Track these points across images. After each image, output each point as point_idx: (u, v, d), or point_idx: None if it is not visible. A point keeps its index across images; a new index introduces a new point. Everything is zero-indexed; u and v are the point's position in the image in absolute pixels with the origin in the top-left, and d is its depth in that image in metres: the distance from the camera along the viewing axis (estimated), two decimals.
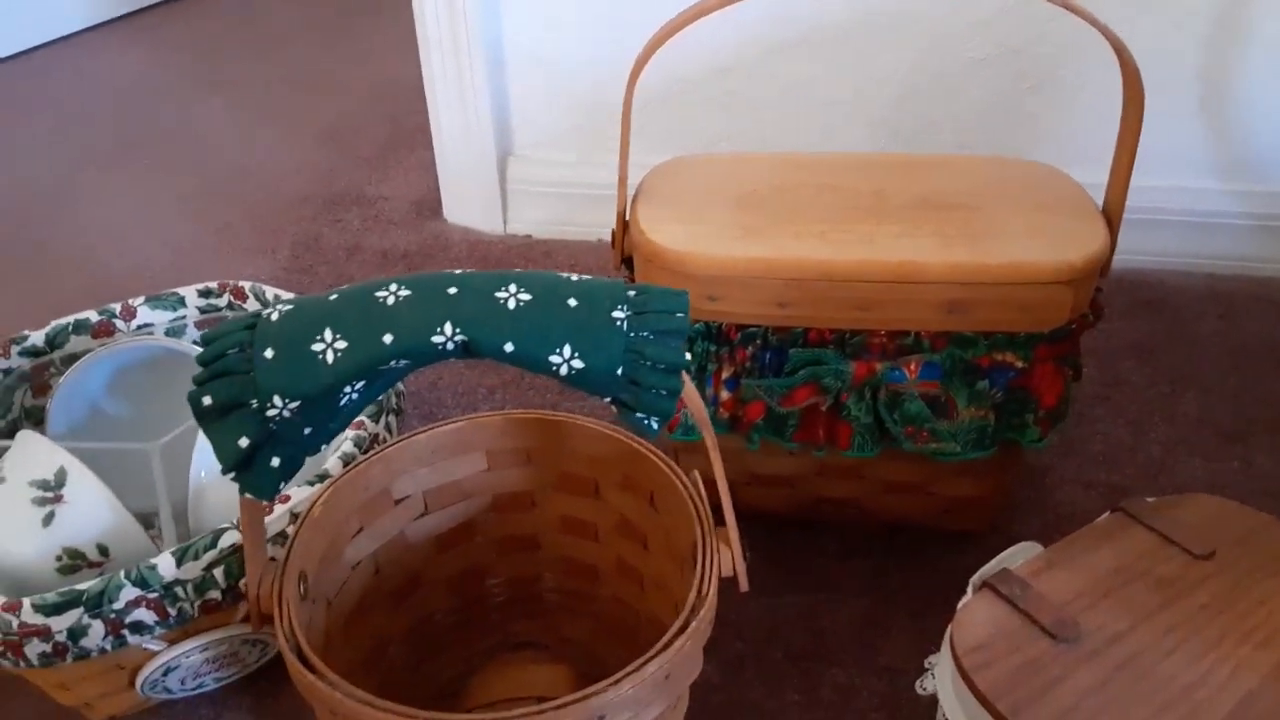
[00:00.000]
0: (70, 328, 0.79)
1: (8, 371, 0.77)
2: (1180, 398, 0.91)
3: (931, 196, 0.69)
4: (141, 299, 0.82)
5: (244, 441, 0.44)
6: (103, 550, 0.63)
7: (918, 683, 0.57)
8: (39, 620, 0.56)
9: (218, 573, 0.59)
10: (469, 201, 1.23)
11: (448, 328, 0.44)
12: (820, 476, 0.74)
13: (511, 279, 0.45)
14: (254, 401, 0.44)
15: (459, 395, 0.95)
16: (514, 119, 1.18)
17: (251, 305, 0.83)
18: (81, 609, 0.56)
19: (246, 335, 0.45)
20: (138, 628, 0.58)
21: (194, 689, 0.65)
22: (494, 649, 0.70)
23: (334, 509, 0.58)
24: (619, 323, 0.45)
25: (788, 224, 0.66)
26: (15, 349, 0.77)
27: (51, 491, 0.63)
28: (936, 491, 0.73)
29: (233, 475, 0.45)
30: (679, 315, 0.46)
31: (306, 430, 0.46)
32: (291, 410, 0.44)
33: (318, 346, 0.44)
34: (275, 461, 0.45)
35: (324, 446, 0.48)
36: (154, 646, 0.61)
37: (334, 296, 0.45)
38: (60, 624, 0.56)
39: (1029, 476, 0.82)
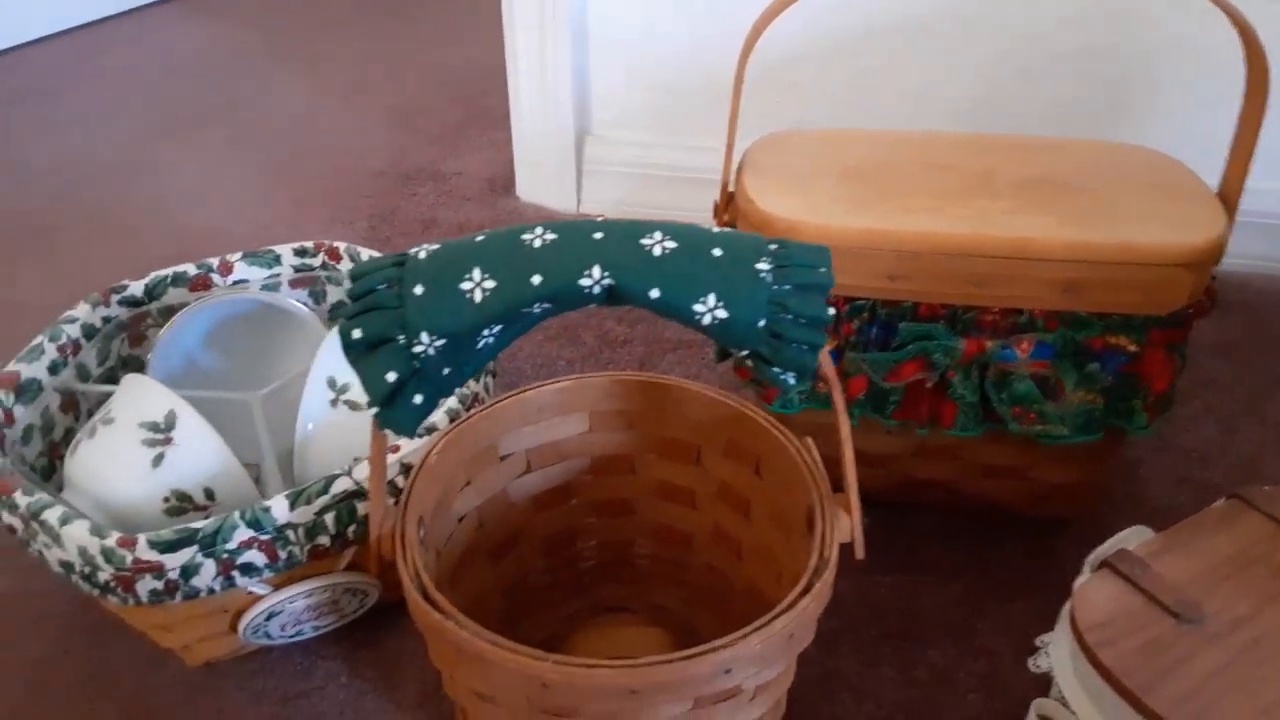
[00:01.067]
0: (169, 279, 0.80)
1: (107, 319, 0.78)
2: (1270, 399, 0.89)
3: (1042, 176, 0.68)
4: (239, 255, 0.83)
5: (391, 376, 0.44)
6: (209, 494, 0.64)
7: (1030, 660, 0.56)
8: (153, 556, 0.56)
9: (328, 518, 0.60)
10: (544, 180, 1.23)
11: (596, 271, 0.44)
12: (916, 457, 0.73)
13: (656, 227, 0.45)
14: (401, 337, 0.44)
15: (538, 366, 0.95)
16: (593, 98, 1.18)
17: (345, 265, 0.83)
18: (195, 547, 0.57)
19: (395, 272, 0.45)
20: (247, 569, 0.59)
21: (292, 636, 0.65)
22: (583, 612, 0.70)
23: (446, 460, 0.58)
24: (763, 275, 0.45)
25: (897, 198, 0.66)
26: (115, 298, 0.78)
27: (161, 434, 0.64)
28: (1034, 476, 0.73)
29: (375, 411, 0.46)
30: (822, 270, 0.45)
31: (445, 370, 0.46)
32: (436, 348, 0.45)
33: (466, 285, 0.44)
34: (417, 399, 0.46)
35: (456, 389, 0.48)
36: (259, 590, 0.61)
37: (480, 238, 0.45)
38: (174, 561, 0.57)
39: (1122, 469, 0.81)
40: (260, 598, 0.61)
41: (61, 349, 0.73)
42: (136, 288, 0.79)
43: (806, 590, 0.49)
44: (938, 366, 0.65)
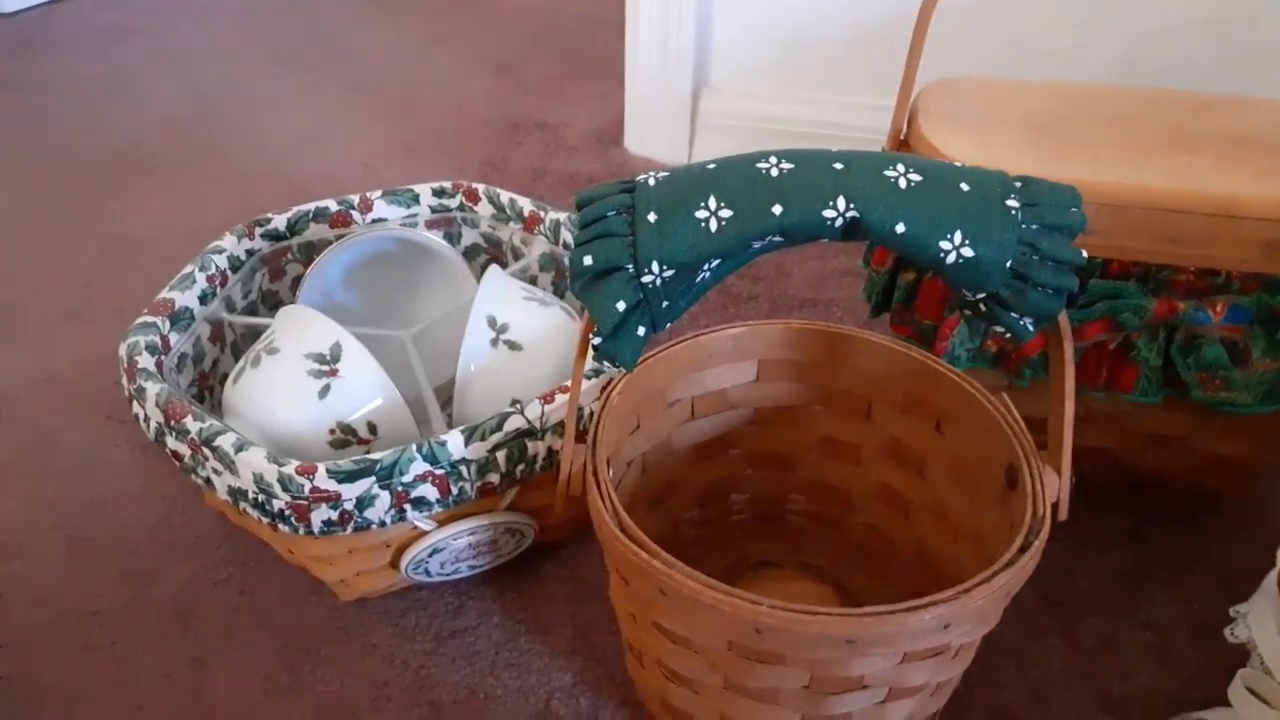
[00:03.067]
0: (310, 215, 0.80)
1: (251, 253, 0.77)
2: None
3: (1239, 133, 0.65)
4: (379, 193, 0.82)
5: (621, 305, 0.43)
6: (372, 428, 0.63)
7: (1227, 630, 0.54)
8: (331, 486, 0.56)
9: (500, 456, 0.59)
10: (655, 132, 1.21)
11: (840, 202, 0.42)
12: (1080, 422, 0.71)
13: (898, 159, 0.43)
14: (631, 266, 0.43)
15: None
16: (713, 49, 1.15)
17: (484, 207, 0.82)
18: (372, 479, 0.56)
19: (626, 199, 0.43)
20: (419, 503, 0.58)
21: (449, 574, 0.65)
22: (731, 567, 0.69)
23: (626, 401, 0.56)
24: (1013, 212, 0.42)
25: (1087, 148, 0.63)
26: (259, 230, 0.77)
27: (327, 365, 0.63)
28: (1201, 448, 0.70)
29: (599, 342, 0.44)
30: (1074, 211, 0.43)
31: (664, 304, 0.45)
32: (665, 279, 0.43)
33: (701, 214, 0.42)
34: (640, 331, 0.44)
35: (662, 329, 0.46)
36: (425, 526, 0.60)
37: (712, 166, 0.44)
38: (351, 492, 0.56)
39: None
40: (425, 533, 0.61)
41: (210, 279, 0.73)
42: (279, 221, 0.78)
43: (1024, 548, 0.47)
44: (1126, 327, 0.62)
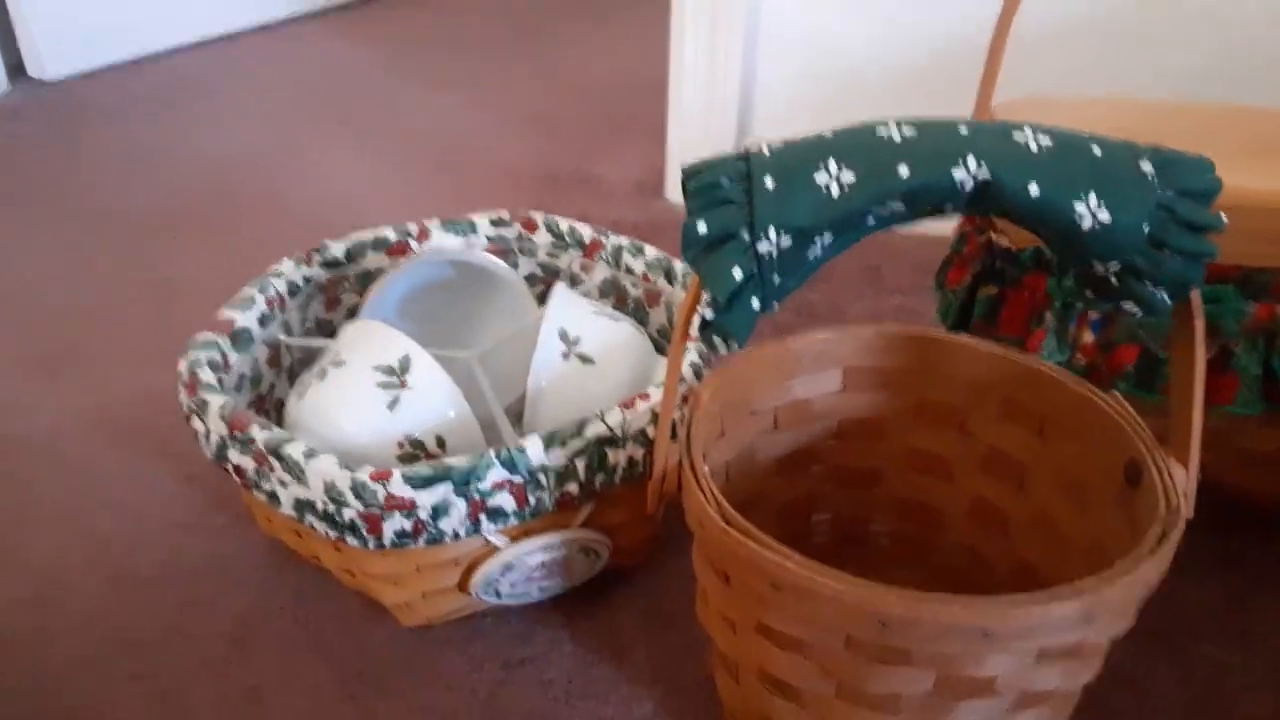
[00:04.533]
0: (369, 243, 0.78)
1: (308, 279, 0.76)
2: None
3: None
4: (436, 221, 0.81)
5: (738, 273, 0.41)
6: (440, 443, 0.61)
7: None
8: (406, 493, 0.53)
9: (579, 464, 0.56)
10: None
11: (970, 162, 0.40)
12: None
13: (1024, 125, 0.42)
14: (746, 234, 0.41)
15: None
16: (757, 96, 1.16)
17: (541, 237, 0.81)
18: (449, 485, 0.53)
19: (741, 166, 0.42)
20: (495, 514, 0.55)
21: (519, 596, 0.61)
22: None
23: (715, 403, 0.54)
24: (1148, 177, 0.41)
25: None
26: (316, 258, 0.76)
27: (396, 377, 0.61)
28: None
29: (711, 316, 0.42)
30: (1209, 175, 0.41)
31: (776, 279, 0.43)
32: (782, 248, 0.41)
33: (821, 178, 0.41)
34: (755, 303, 0.42)
35: (779, 302, 0.44)
36: (497, 541, 0.57)
37: (828, 134, 0.42)
38: (426, 499, 0.53)
39: None
40: (498, 550, 0.57)
41: (269, 301, 0.71)
42: (337, 249, 0.77)
43: (1163, 539, 0.44)
44: (1225, 333, 0.60)
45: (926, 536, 0.64)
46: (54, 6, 1.56)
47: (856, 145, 0.41)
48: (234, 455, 0.58)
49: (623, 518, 0.61)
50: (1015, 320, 0.67)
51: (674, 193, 1.23)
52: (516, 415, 0.70)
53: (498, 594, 0.60)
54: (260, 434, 0.56)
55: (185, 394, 0.61)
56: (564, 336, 0.65)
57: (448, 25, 1.91)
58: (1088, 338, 0.64)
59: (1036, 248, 0.65)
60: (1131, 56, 1.02)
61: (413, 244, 0.80)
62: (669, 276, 0.75)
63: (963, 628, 0.40)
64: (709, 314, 0.42)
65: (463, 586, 0.59)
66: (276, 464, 0.55)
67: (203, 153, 1.34)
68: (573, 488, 0.56)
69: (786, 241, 0.41)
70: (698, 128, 1.17)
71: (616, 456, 0.57)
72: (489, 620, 0.63)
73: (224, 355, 0.65)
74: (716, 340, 0.42)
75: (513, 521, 0.56)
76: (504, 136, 1.41)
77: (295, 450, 0.55)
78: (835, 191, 0.40)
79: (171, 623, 0.63)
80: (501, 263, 0.76)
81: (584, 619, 0.63)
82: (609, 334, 0.66)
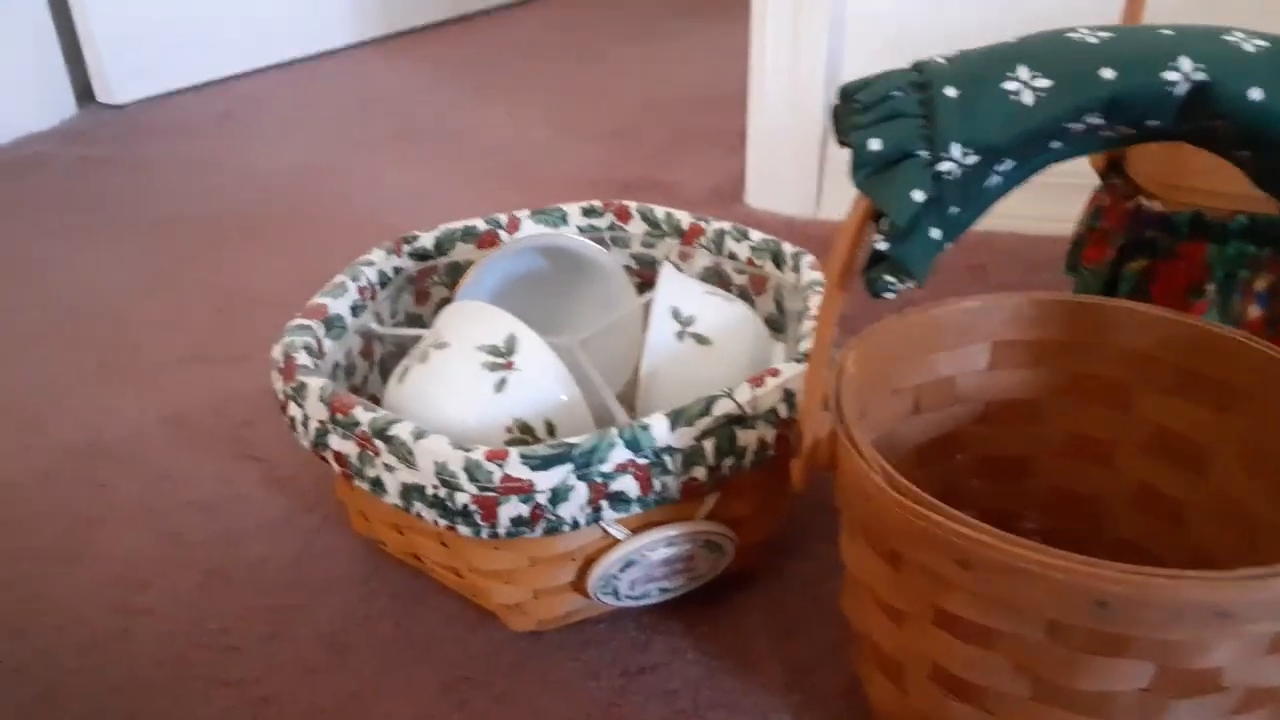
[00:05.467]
0: (459, 234, 0.75)
1: (398, 270, 0.72)
2: None
3: None
4: (526, 212, 0.77)
5: (918, 195, 0.36)
6: (550, 428, 0.56)
7: None
8: (525, 474, 0.48)
9: (707, 446, 0.51)
10: (780, 183, 1.16)
11: (1184, 63, 0.35)
12: None
13: (1229, 29, 0.37)
14: (925, 151, 0.36)
15: None
16: None
17: (635, 225, 0.77)
18: (570, 466, 0.49)
19: (914, 75, 0.37)
20: (618, 499, 0.50)
21: (638, 597, 0.56)
22: None
23: (860, 374, 0.49)
24: None
25: None
26: (406, 248, 0.73)
27: (503, 358, 0.56)
28: None
29: (885, 247, 0.37)
30: None
31: (953, 209, 0.38)
32: (966, 167, 0.36)
33: (1011, 85, 0.36)
34: (935, 234, 0.37)
35: (952, 240, 0.39)
36: (617, 533, 0.52)
37: (1012, 41, 0.37)
38: (545, 481, 0.49)
39: None
40: (618, 543, 0.52)
41: (361, 290, 0.68)
42: (427, 239, 0.74)
43: None
44: None
45: (1085, 531, 0.58)
46: (121, 34, 1.58)
47: (1049, 49, 0.36)
48: (334, 441, 0.54)
49: (748, 510, 0.56)
50: (1170, 294, 0.61)
51: (755, 198, 1.19)
52: (626, 405, 0.66)
53: (616, 594, 0.55)
54: (364, 415, 0.52)
55: (281, 379, 0.58)
56: (676, 315, 0.60)
57: (510, 48, 1.90)
58: (1254, 312, 0.58)
59: (1195, 211, 0.59)
60: None
61: (502, 234, 0.76)
62: (777, 260, 0.70)
63: (1196, 607, 0.35)
64: (881, 245, 0.37)
65: (577, 586, 0.55)
66: (383, 447, 0.51)
67: (264, 167, 1.33)
68: (699, 472, 0.51)
69: (972, 160, 0.36)
70: (781, 125, 1.13)
71: (746, 438, 0.52)
72: (603, 627, 0.58)
73: (318, 341, 0.62)
74: (888, 279, 0.37)
75: (635, 510, 0.51)
76: (573, 149, 1.39)
77: (403, 430, 0.51)
78: (1029, 99, 0.36)
79: (264, 627, 0.59)
80: (598, 247, 0.71)
81: (705, 626, 0.58)
82: (724, 314, 0.61)
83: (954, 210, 0.38)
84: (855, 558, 0.45)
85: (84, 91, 1.60)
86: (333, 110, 1.56)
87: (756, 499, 0.56)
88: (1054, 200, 0.85)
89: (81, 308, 0.98)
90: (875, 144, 0.36)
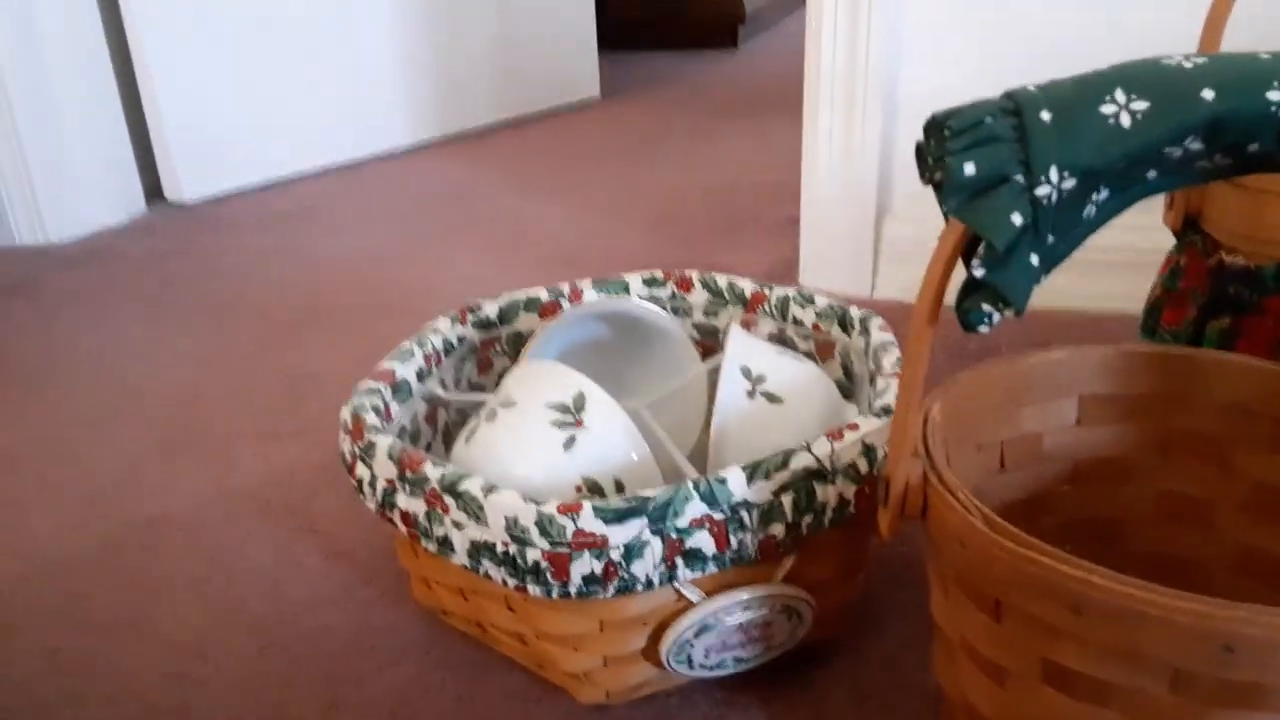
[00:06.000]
0: (522, 304, 0.75)
1: (461, 339, 0.72)
2: None
3: None
4: (588, 281, 0.77)
5: (1017, 219, 0.35)
6: (619, 487, 0.55)
7: None
8: (598, 528, 0.47)
9: (785, 501, 0.49)
10: (834, 264, 1.16)
11: None
12: None
13: None
14: (1021, 176, 0.35)
15: None
16: (896, 173, 1.12)
17: (697, 295, 0.77)
18: (644, 520, 0.47)
19: (1006, 103, 0.37)
20: (693, 557, 0.48)
21: (713, 667, 0.53)
22: None
23: (944, 423, 0.47)
24: None
25: None
26: (470, 318, 0.73)
27: (571, 415, 0.56)
28: None
29: (983, 273, 0.36)
30: None
31: (1050, 239, 0.37)
32: (1064, 192, 0.35)
33: (1108, 109, 0.35)
34: (1034, 259, 0.36)
35: (1050, 269, 0.38)
36: (692, 595, 0.50)
37: (1103, 69, 0.37)
38: (619, 536, 0.47)
39: None
40: (692, 605, 0.50)
41: (426, 357, 0.68)
42: (490, 309, 0.74)
43: None
44: None
45: None
46: (191, 136, 1.65)
47: (1146, 73, 0.36)
48: (402, 500, 0.53)
49: (827, 573, 0.54)
50: (1257, 351, 0.59)
51: (810, 279, 1.19)
52: (695, 467, 0.64)
53: (690, 662, 0.52)
54: (434, 471, 0.51)
55: (349, 440, 0.57)
56: (747, 374, 0.59)
57: (563, 149, 1.95)
58: None
59: None
60: None
61: (565, 304, 0.76)
62: (843, 325, 0.69)
63: None
64: (978, 273, 0.36)
65: (649, 654, 0.52)
66: (452, 503, 0.50)
67: (327, 257, 1.36)
68: (777, 529, 0.50)
69: (1070, 184, 0.35)
70: (834, 205, 1.13)
71: (825, 494, 0.50)
72: (674, 701, 0.56)
73: (386, 405, 0.62)
74: (984, 309, 0.36)
75: (711, 568, 0.49)
76: (625, 236, 1.40)
77: (473, 485, 0.49)
78: (1126, 122, 0.35)
79: (323, 698, 0.57)
80: (662, 312, 0.71)
81: (781, 702, 0.55)
82: (794, 372, 0.60)
83: (1050, 240, 0.37)
84: (950, 614, 0.43)
85: (153, 190, 1.66)
86: (392, 207, 1.61)
87: (835, 562, 0.54)
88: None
89: (147, 389, 0.99)
90: (970, 168, 0.35)
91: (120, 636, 0.63)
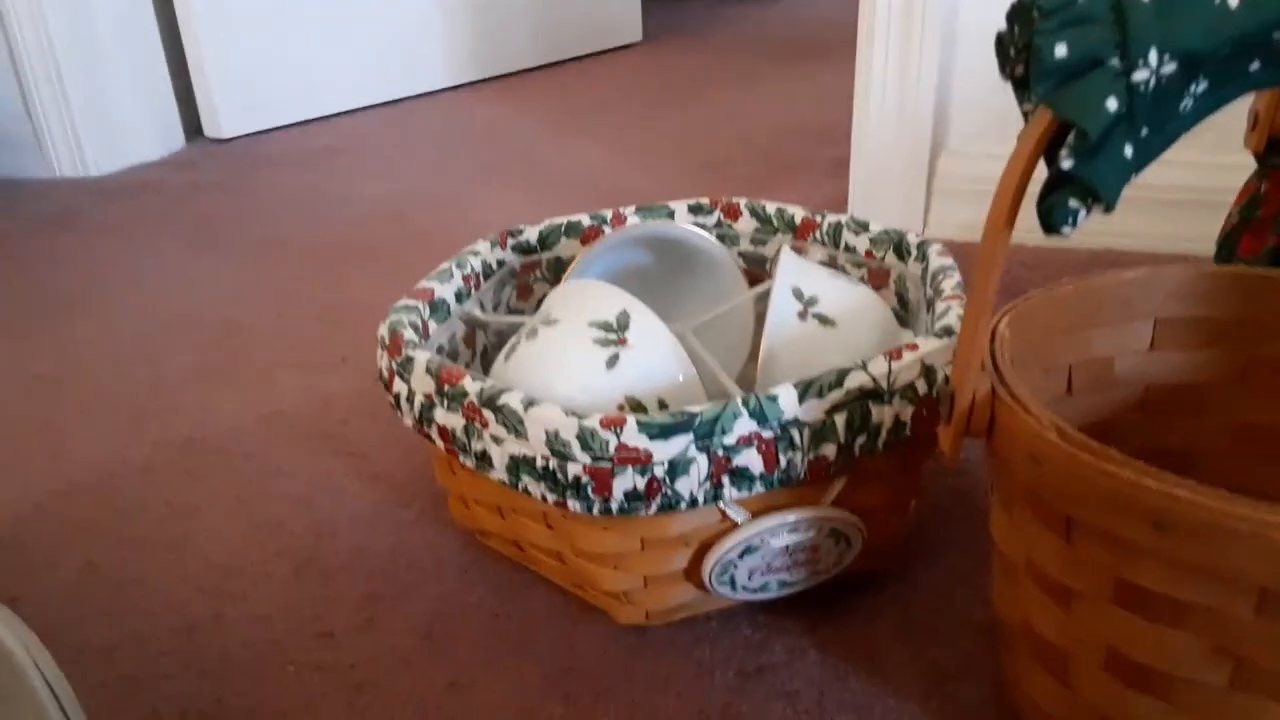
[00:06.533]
0: (563, 229, 0.73)
1: (501, 263, 0.70)
2: None
3: None
4: (632, 208, 0.75)
5: (1112, 104, 0.32)
6: (663, 408, 0.53)
7: None
8: (642, 443, 0.45)
9: (838, 420, 0.47)
10: (884, 204, 1.13)
11: None
12: None
13: None
14: (1117, 60, 0.32)
15: None
16: (953, 108, 1.08)
17: (744, 223, 0.74)
18: (690, 436, 0.45)
19: None
20: (740, 476, 0.46)
21: (756, 590, 0.52)
22: None
23: (1009, 343, 0.44)
24: None
25: None
26: (510, 242, 0.71)
27: (614, 334, 0.54)
28: None
29: (1070, 165, 0.33)
30: None
31: (1144, 130, 0.34)
32: (1163, 77, 0.33)
33: None
34: (1128, 151, 0.33)
35: (1142, 167, 0.35)
36: (737, 515, 0.48)
37: None
38: (664, 452, 0.45)
39: None
40: (736, 525, 0.49)
41: (466, 278, 0.66)
42: (531, 234, 0.72)
43: None
44: None
45: None
46: (230, 73, 1.63)
47: None
48: (440, 415, 0.51)
49: (879, 500, 0.52)
50: None
51: (861, 215, 1.15)
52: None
53: (733, 583, 0.51)
54: (473, 385, 0.50)
55: (386, 356, 0.56)
56: (799, 295, 0.57)
57: (602, 91, 1.91)
58: None
59: None
60: None
61: (607, 230, 0.74)
62: (900, 250, 0.66)
63: None
64: (1066, 165, 0.33)
65: (690, 575, 0.51)
66: (491, 417, 0.48)
67: (366, 194, 1.35)
68: (828, 450, 0.47)
69: (1169, 69, 0.32)
70: (888, 142, 1.09)
71: (881, 415, 0.48)
72: (715, 624, 0.54)
73: (424, 323, 0.60)
74: (1071, 205, 0.33)
75: (758, 488, 0.47)
76: (668, 178, 1.37)
77: (513, 399, 0.48)
78: (1234, 1, 0.32)
79: (360, 615, 0.56)
80: (707, 235, 0.68)
81: (829, 627, 0.53)
82: (849, 295, 0.58)
83: (1145, 132, 0.34)
84: (1014, 536, 0.41)
85: (194, 126, 1.65)
86: (429, 145, 1.59)
87: (888, 487, 0.52)
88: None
89: (186, 319, 0.98)
90: (1061, 50, 0.33)
91: (157, 553, 0.63)
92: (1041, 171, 0.36)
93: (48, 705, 0.39)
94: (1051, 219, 0.34)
